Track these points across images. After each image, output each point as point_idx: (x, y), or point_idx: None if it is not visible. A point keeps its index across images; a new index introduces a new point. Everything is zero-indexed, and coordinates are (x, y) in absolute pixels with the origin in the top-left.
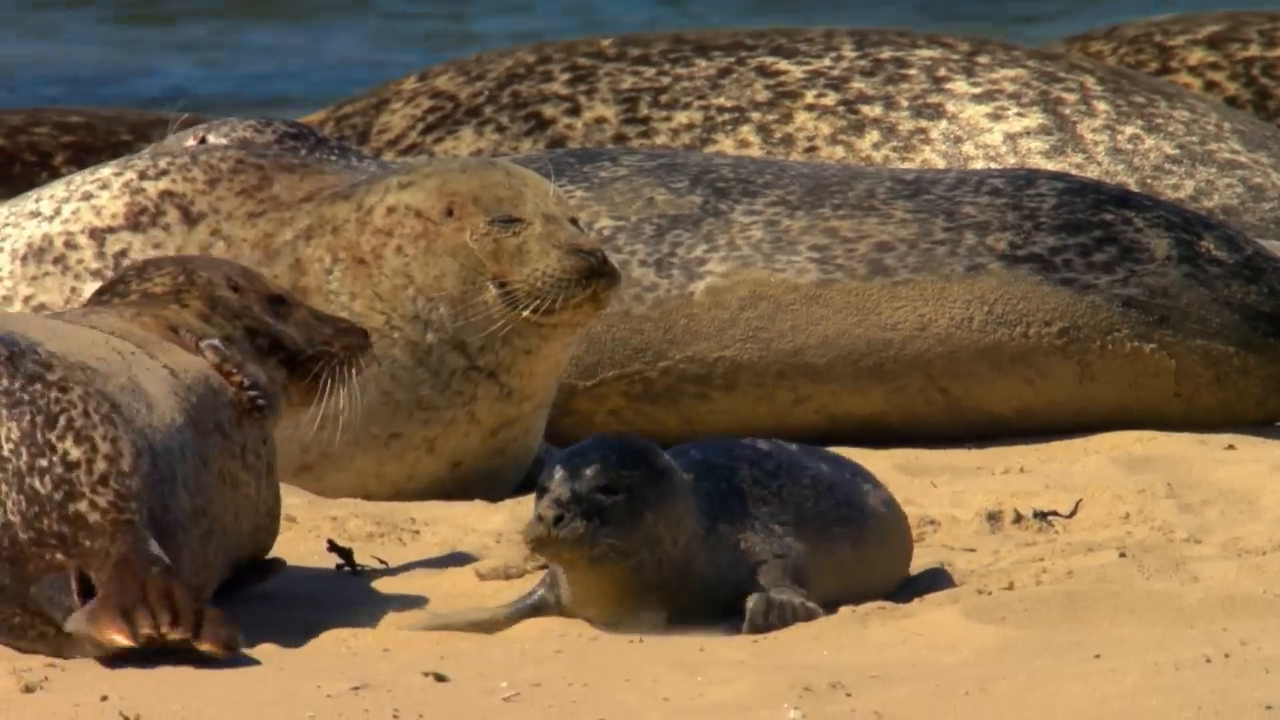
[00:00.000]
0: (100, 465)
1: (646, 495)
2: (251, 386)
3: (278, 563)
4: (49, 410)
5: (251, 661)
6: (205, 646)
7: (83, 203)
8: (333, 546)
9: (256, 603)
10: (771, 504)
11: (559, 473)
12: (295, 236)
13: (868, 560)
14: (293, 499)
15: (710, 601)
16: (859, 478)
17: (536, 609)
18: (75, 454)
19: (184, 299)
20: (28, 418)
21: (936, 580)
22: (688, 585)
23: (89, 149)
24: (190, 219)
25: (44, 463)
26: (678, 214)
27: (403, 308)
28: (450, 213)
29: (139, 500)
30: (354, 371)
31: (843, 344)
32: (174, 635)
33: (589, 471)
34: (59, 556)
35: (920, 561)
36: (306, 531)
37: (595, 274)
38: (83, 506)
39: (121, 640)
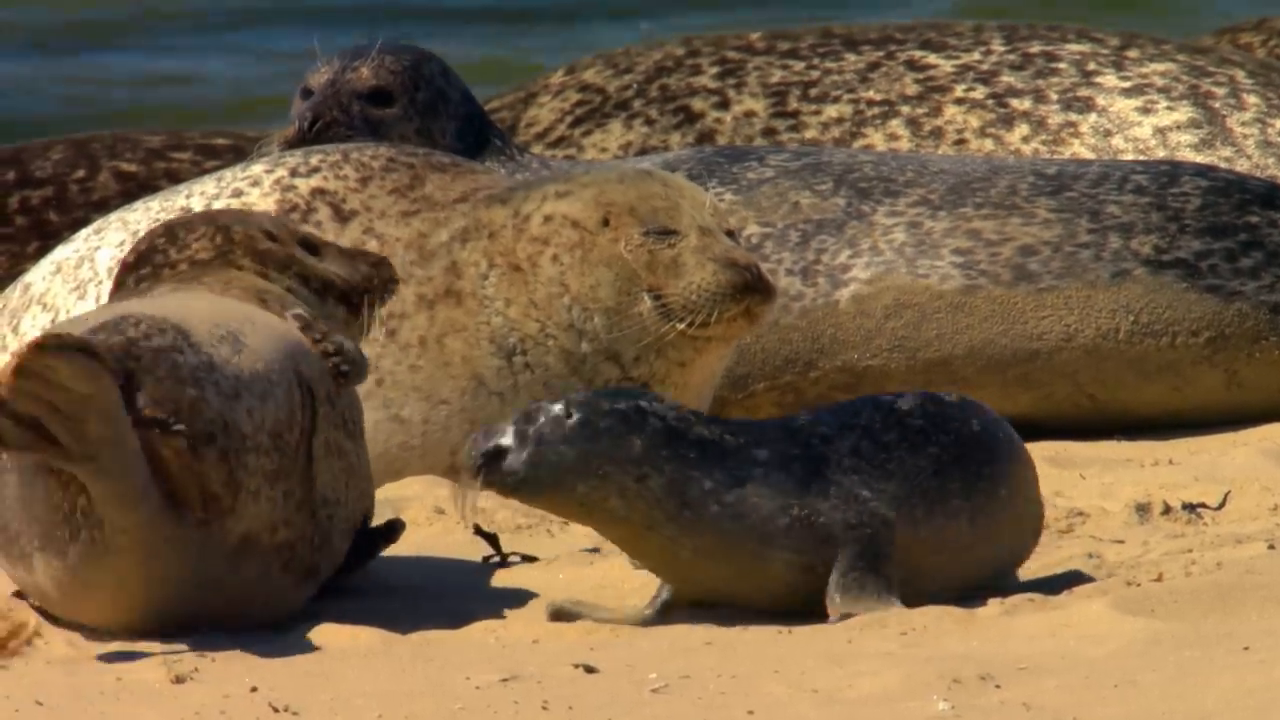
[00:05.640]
0: (116, 339)
1: (565, 431)
2: (336, 352)
3: (397, 525)
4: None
5: (400, 652)
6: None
7: (233, 199)
8: (478, 531)
9: (406, 594)
10: (866, 473)
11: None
12: (450, 238)
13: (988, 535)
14: (442, 490)
15: (807, 582)
16: (1010, 447)
17: (660, 613)
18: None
19: (232, 259)
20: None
21: (1085, 572)
22: (701, 533)
23: None
24: (342, 216)
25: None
26: (822, 218)
27: (558, 316)
28: (606, 223)
29: (134, 360)
30: (383, 304)
31: (989, 354)
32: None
33: (531, 408)
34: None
35: (1069, 553)
36: (455, 523)
37: (750, 289)
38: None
39: None
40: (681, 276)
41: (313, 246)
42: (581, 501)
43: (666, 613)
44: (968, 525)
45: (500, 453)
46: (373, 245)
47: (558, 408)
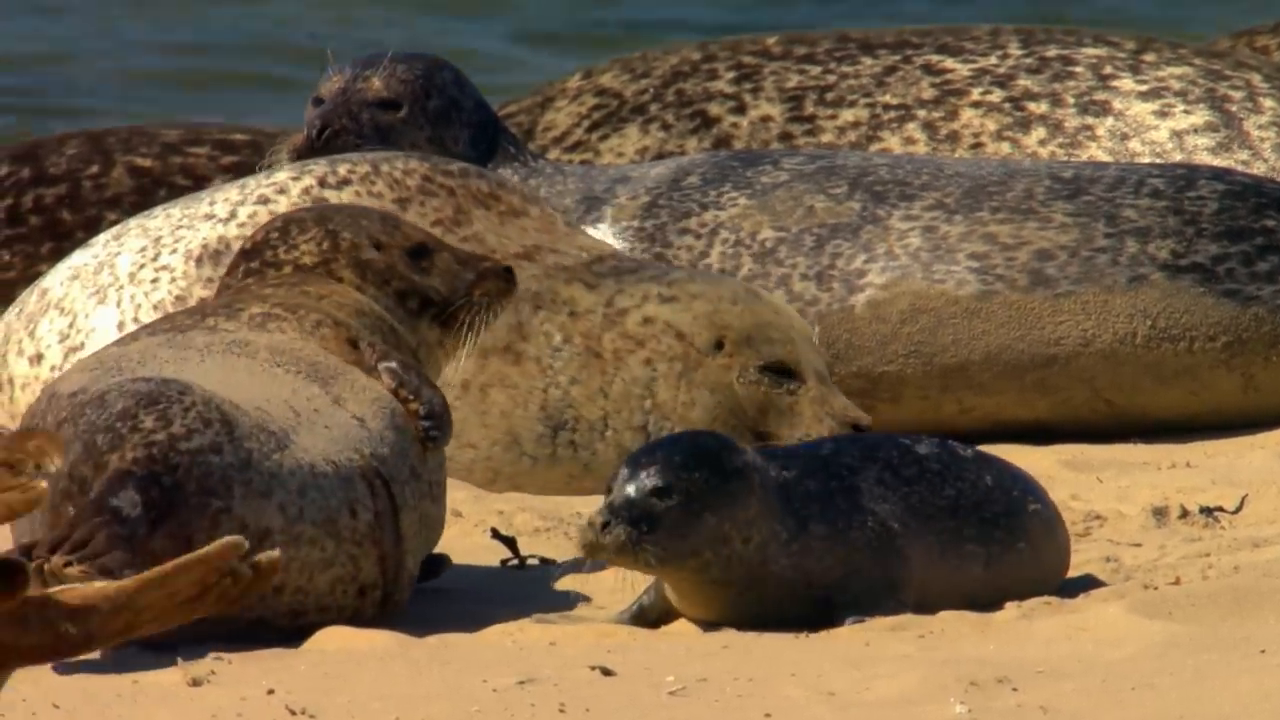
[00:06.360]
0: (159, 435)
1: (708, 498)
2: (427, 415)
3: (445, 560)
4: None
5: (417, 655)
6: (72, 570)
7: (259, 206)
8: (495, 534)
9: (422, 597)
10: (895, 505)
11: (621, 473)
12: (518, 298)
13: (999, 583)
14: (458, 493)
15: (796, 600)
16: (1026, 497)
17: (636, 618)
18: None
19: (334, 268)
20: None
21: (1102, 575)
22: (764, 584)
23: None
24: None
25: (119, 426)
26: (837, 223)
27: (629, 415)
28: (720, 346)
29: (169, 470)
30: (495, 315)
31: (1005, 359)
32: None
33: (646, 474)
34: (70, 508)
35: (1086, 557)
36: (472, 526)
37: None
38: (113, 457)
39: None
40: (796, 428)
41: (426, 251)
42: (696, 567)
43: (641, 616)
44: (980, 570)
45: (650, 523)
46: None
47: (697, 475)
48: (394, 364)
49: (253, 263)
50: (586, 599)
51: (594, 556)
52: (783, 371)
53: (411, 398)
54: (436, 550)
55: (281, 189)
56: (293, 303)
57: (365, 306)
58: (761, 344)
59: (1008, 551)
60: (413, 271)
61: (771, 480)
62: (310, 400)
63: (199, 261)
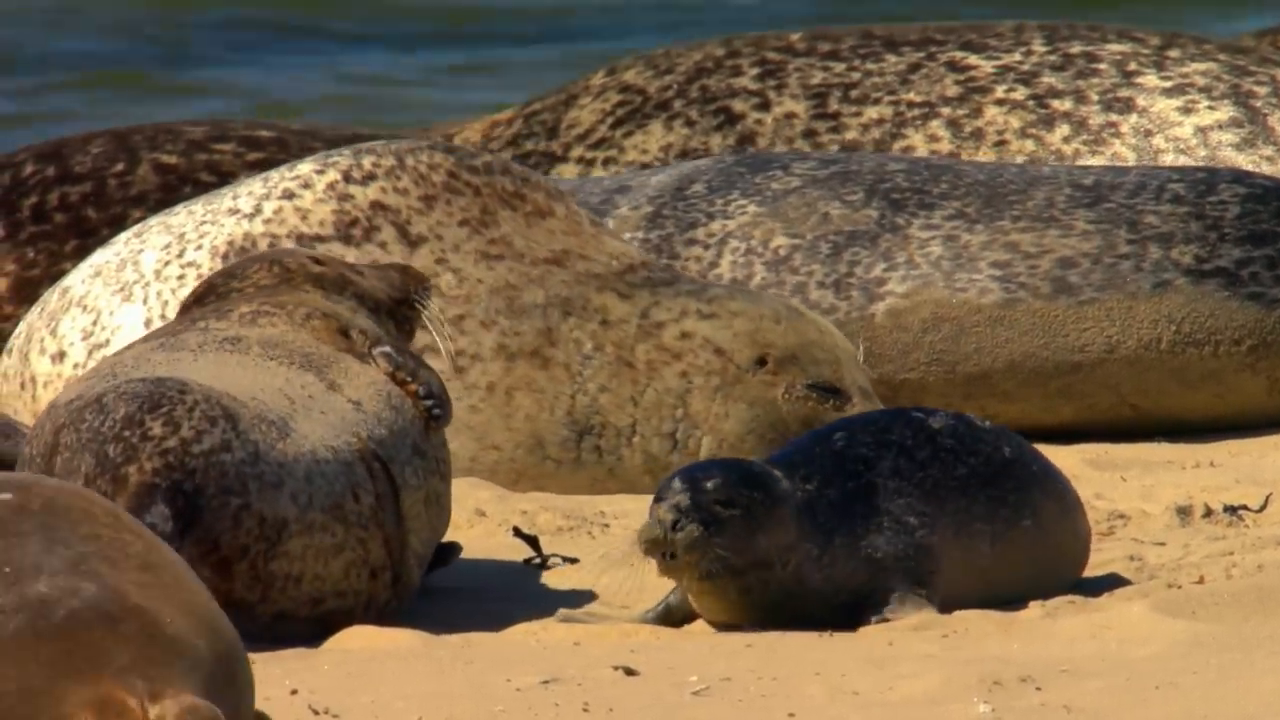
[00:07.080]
0: (171, 441)
1: (760, 518)
2: (427, 395)
3: (455, 547)
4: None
5: (441, 654)
6: None
7: (285, 201)
8: (518, 533)
9: (445, 597)
10: (911, 496)
11: (678, 482)
12: (548, 303)
13: (1010, 561)
14: (483, 493)
15: (827, 607)
16: (1045, 476)
17: (662, 618)
18: (165, 437)
19: (295, 283)
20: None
21: (1126, 574)
22: (800, 600)
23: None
24: (410, 240)
25: (129, 434)
26: (854, 230)
27: (658, 422)
28: (763, 363)
29: (187, 476)
30: (431, 302)
31: (1030, 367)
32: None
33: (710, 484)
34: None
35: (1110, 555)
36: (496, 525)
37: None
38: (131, 469)
39: None
40: None
41: (353, 265)
42: (739, 588)
43: (667, 615)
44: (987, 548)
45: (717, 527)
46: (449, 279)
47: (754, 494)
48: (388, 348)
49: (208, 298)
50: (609, 599)
51: (656, 553)
52: (829, 390)
53: (409, 379)
54: (457, 543)
55: (306, 183)
56: (280, 299)
57: (343, 313)
58: (807, 363)
59: (1012, 529)
60: (359, 278)
61: (800, 500)
62: (304, 388)
63: (225, 258)
